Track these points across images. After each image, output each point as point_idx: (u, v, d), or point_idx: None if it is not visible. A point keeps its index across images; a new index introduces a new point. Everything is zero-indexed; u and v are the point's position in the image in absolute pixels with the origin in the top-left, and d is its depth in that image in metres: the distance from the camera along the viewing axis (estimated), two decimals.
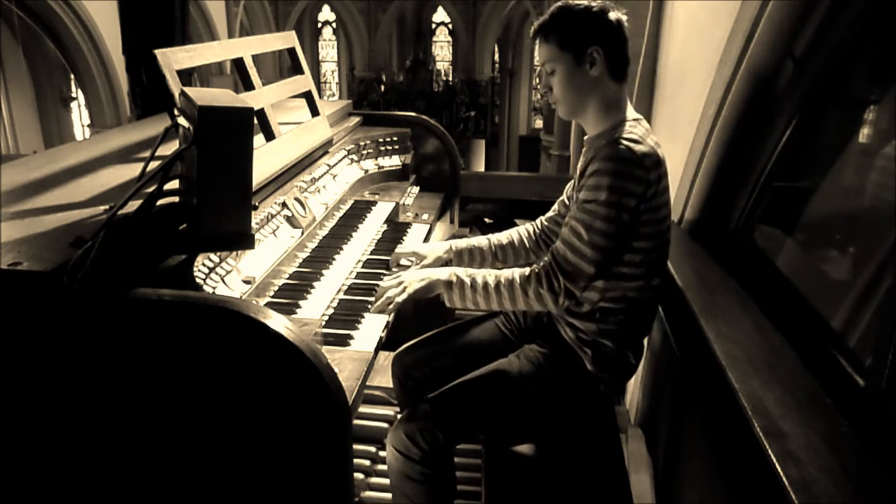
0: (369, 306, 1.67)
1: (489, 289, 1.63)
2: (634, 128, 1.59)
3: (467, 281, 1.64)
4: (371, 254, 2.08)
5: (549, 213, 1.97)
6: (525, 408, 1.74)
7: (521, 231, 2.00)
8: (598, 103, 1.64)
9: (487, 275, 1.65)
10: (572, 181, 1.85)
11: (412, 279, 1.67)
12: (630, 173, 1.51)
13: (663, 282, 1.75)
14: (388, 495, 2.15)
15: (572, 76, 1.61)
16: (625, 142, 1.53)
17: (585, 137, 1.74)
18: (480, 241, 1.97)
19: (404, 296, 1.64)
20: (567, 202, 1.89)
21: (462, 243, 1.95)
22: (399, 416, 1.74)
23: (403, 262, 1.93)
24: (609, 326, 1.67)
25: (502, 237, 1.98)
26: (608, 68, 1.61)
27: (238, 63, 1.91)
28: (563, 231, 1.61)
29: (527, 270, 1.63)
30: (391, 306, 1.63)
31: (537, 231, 1.98)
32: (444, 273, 1.67)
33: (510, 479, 1.66)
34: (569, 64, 1.60)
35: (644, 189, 1.53)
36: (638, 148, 1.53)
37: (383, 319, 1.62)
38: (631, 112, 1.66)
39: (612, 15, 1.60)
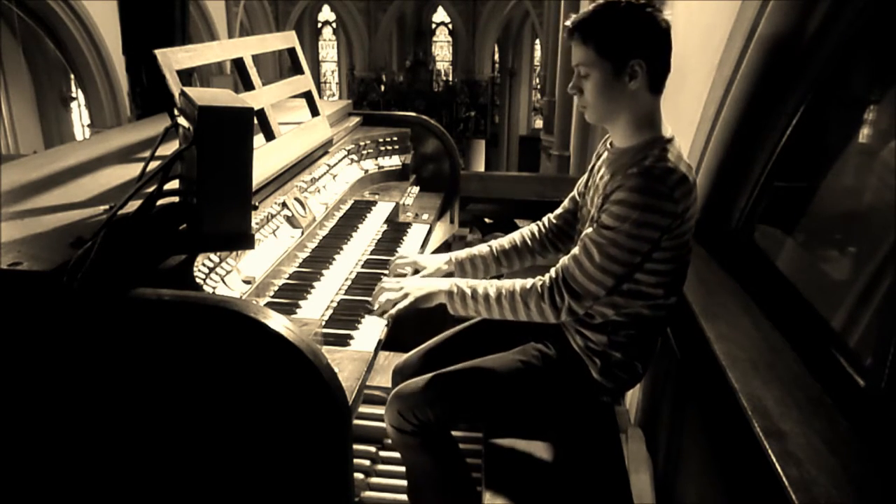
0: (369, 306, 1.67)
1: (490, 299, 1.60)
2: (667, 151, 1.48)
3: (468, 291, 1.62)
4: (371, 254, 2.07)
5: (559, 211, 1.91)
6: (521, 402, 1.73)
7: (525, 233, 1.94)
8: (630, 116, 1.52)
9: (489, 285, 1.62)
10: (584, 179, 1.79)
11: (413, 287, 1.66)
12: (659, 207, 1.43)
13: (680, 299, 1.69)
14: (389, 495, 2.16)
15: (608, 86, 1.48)
16: (657, 171, 1.43)
17: (609, 143, 1.67)
18: (482, 248, 1.92)
19: (405, 303, 1.64)
20: (578, 198, 1.83)
21: (463, 253, 1.91)
22: (392, 392, 1.73)
23: (400, 272, 1.89)
24: (620, 339, 1.64)
25: (505, 242, 1.93)
26: (648, 82, 1.48)
27: (238, 63, 1.91)
28: (575, 248, 1.56)
29: (528, 282, 1.59)
30: (392, 311, 1.63)
31: (543, 230, 1.92)
32: (444, 283, 1.65)
33: (510, 478, 1.66)
34: (606, 73, 1.47)
35: (670, 222, 1.46)
36: (670, 178, 1.44)
37: (384, 319, 1.62)
38: (665, 129, 1.55)
39: (662, 21, 1.44)
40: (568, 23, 1.52)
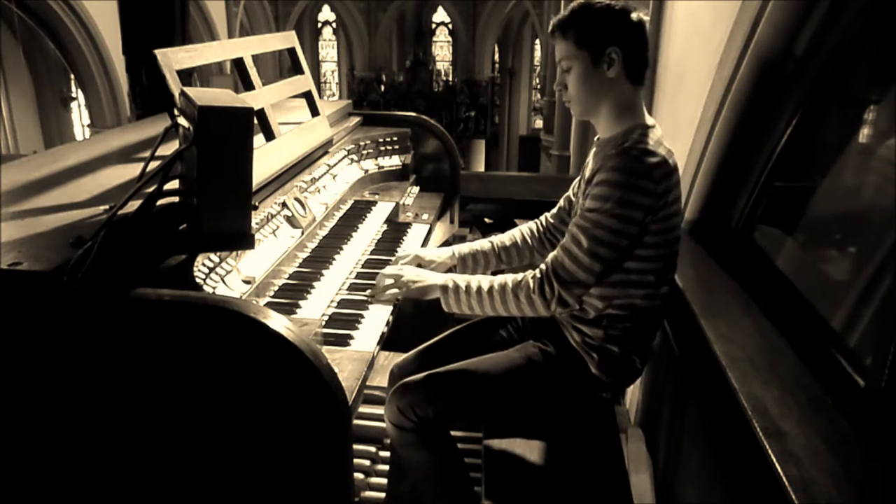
0: (367, 296, 1.72)
1: (482, 293, 1.62)
2: (647, 136, 1.55)
3: (462, 285, 1.65)
4: (371, 254, 2.08)
5: (554, 210, 1.95)
6: (521, 399, 1.74)
7: (524, 230, 1.97)
8: (612, 105, 1.60)
9: (482, 280, 1.65)
10: (578, 178, 1.83)
11: (411, 277, 1.70)
12: (638, 186, 1.48)
13: (672, 289, 1.72)
14: None
15: (588, 76, 1.57)
16: (635, 152, 1.50)
17: (596, 138, 1.72)
18: (483, 244, 1.95)
19: (401, 292, 1.68)
20: (572, 199, 1.87)
21: (465, 248, 1.93)
22: (391, 390, 1.74)
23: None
24: (616, 332, 1.65)
25: (505, 238, 1.96)
26: (625, 70, 1.56)
27: (238, 63, 1.91)
28: (564, 239, 1.59)
29: (520, 276, 1.62)
30: (387, 294, 1.69)
31: (541, 229, 1.96)
32: (440, 278, 1.68)
33: (510, 479, 1.66)
34: (585, 63, 1.56)
35: (652, 201, 1.49)
36: (648, 159, 1.49)
37: (383, 319, 1.63)
38: (646, 117, 1.62)
39: (634, 15, 1.55)
40: (550, 24, 1.63)
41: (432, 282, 1.68)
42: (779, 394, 1.37)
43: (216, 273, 1.48)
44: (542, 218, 1.98)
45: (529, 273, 1.61)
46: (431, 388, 1.68)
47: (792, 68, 1.92)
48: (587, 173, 1.67)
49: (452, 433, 1.78)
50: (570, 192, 1.90)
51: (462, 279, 1.66)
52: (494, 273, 1.80)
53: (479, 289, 1.63)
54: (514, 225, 3.28)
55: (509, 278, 1.62)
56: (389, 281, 1.72)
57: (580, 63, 1.57)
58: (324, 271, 1.83)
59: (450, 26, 19.80)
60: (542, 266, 1.60)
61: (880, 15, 1.69)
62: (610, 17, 1.54)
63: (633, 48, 1.57)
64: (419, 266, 1.88)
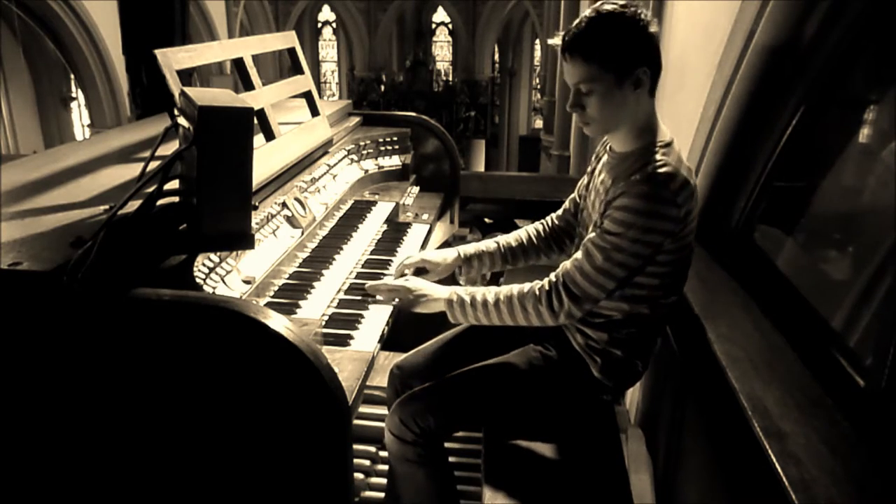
0: (370, 305, 1.70)
1: (489, 305, 1.62)
2: (667, 155, 1.50)
3: (467, 299, 1.64)
4: (371, 254, 2.07)
5: (560, 212, 1.94)
6: (522, 405, 1.74)
7: (530, 231, 1.96)
8: (632, 122, 1.53)
9: (487, 292, 1.64)
10: (586, 182, 1.80)
11: (415, 290, 1.69)
12: (664, 213, 1.45)
13: (680, 299, 1.70)
14: None
15: (612, 97, 1.48)
16: (660, 177, 1.45)
17: (608, 147, 1.67)
18: (489, 244, 1.93)
19: (405, 304, 1.68)
20: (577, 201, 1.85)
21: (471, 249, 1.92)
22: (394, 403, 1.75)
23: (408, 272, 1.90)
24: (621, 336, 1.65)
25: (511, 239, 1.94)
26: (650, 86, 1.50)
27: (238, 63, 1.91)
28: (577, 253, 1.57)
29: (526, 287, 1.61)
30: (387, 297, 1.69)
31: (547, 230, 1.94)
32: (444, 291, 1.68)
33: (510, 478, 1.66)
34: (610, 85, 1.46)
35: (674, 226, 1.47)
36: (673, 184, 1.45)
37: (383, 319, 1.63)
38: (663, 132, 1.56)
39: (653, 28, 1.47)
40: (557, 40, 1.56)
41: (438, 295, 1.67)
42: (779, 394, 1.37)
43: (216, 273, 1.47)
44: (548, 219, 1.96)
45: (537, 284, 1.60)
46: (433, 398, 1.68)
47: (792, 68, 1.92)
48: (600, 186, 1.63)
49: (454, 434, 1.78)
50: (575, 195, 1.89)
51: (466, 292, 1.66)
52: (497, 276, 1.79)
53: (485, 301, 1.63)
54: (515, 225, 3.29)
55: (515, 289, 1.61)
56: (393, 292, 1.70)
57: (604, 85, 1.47)
58: (324, 271, 1.83)
59: (450, 26, 19.82)
60: (552, 278, 1.59)
61: (880, 15, 1.69)
62: (636, 36, 1.45)
63: (658, 62, 1.50)
64: (425, 269, 1.88)
